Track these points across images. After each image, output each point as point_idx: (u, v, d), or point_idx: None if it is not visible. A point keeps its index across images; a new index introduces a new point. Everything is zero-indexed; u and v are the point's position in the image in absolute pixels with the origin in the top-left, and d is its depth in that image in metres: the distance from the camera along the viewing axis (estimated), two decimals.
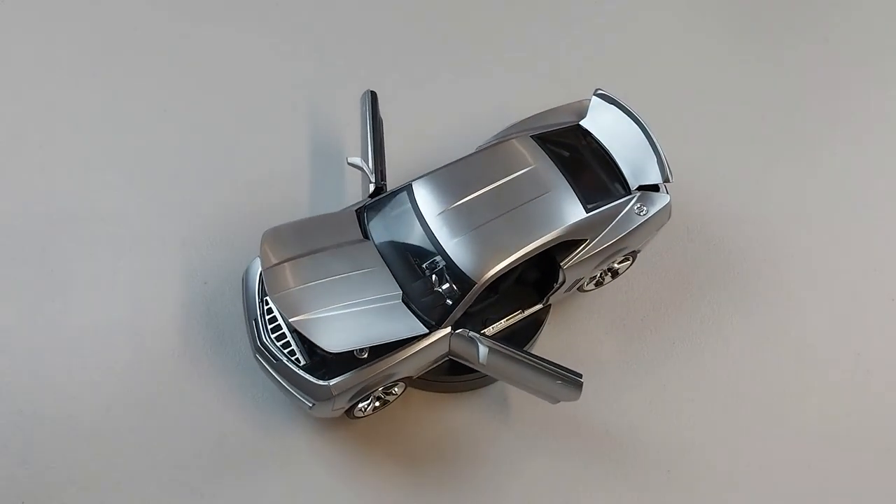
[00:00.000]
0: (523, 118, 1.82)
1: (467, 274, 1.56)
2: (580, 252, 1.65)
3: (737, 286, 1.90)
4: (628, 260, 1.78)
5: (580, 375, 1.57)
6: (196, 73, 2.09)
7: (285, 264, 1.59)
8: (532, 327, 1.73)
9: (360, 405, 1.62)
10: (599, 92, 1.79)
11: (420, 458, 1.71)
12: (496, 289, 1.66)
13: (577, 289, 1.77)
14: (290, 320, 1.53)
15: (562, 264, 1.65)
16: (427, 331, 1.56)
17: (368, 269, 1.60)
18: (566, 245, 1.64)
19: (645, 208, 1.70)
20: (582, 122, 1.77)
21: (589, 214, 1.65)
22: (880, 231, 1.98)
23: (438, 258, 1.59)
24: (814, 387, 1.82)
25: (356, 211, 1.70)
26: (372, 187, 1.72)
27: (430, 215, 1.62)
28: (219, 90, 2.07)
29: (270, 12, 2.19)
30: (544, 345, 1.79)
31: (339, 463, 1.70)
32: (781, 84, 2.16)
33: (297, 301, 1.54)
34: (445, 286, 1.58)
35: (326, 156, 1.98)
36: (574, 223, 1.63)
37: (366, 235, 1.65)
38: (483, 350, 1.56)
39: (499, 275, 1.58)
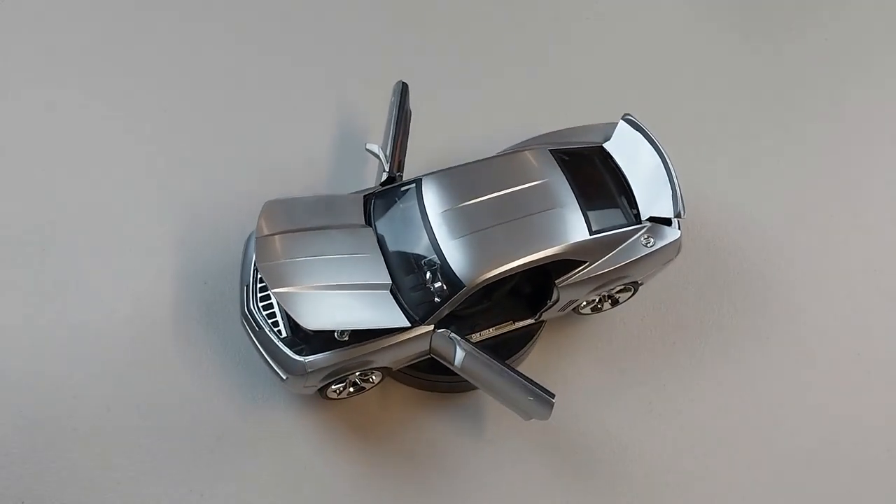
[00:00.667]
0: (550, 131, 1.80)
1: (458, 275, 1.55)
2: (578, 273, 1.63)
3: (737, 287, 1.90)
4: (629, 291, 1.75)
5: (553, 395, 1.55)
6: (196, 72, 2.09)
7: (280, 236, 1.59)
8: (522, 340, 1.71)
9: (335, 387, 1.62)
10: (627, 117, 1.76)
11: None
12: (489, 296, 1.66)
13: (574, 311, 1.75)
14: (272, 291, 1.54)
15: (557, 282, 1.63)
16: (409, 325, 1.55)
17: (363, 254, 1.59)
18: (565, 264, 1.62)
19: (653, 240, 1.66)
20: (605, 145, 1.75)
21: (592, 237, 1.62)
22: (880, 231, 1.98)
23: (434, 256, 1.58)
24: (813, 387, 1.82)
25: (364, 196, 1.69)
26: (385, 175, 1.71)
27: (434, 212, 1.61)
28: (219, 90, 2.07)
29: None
30: (533, 360, 1.78)
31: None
32: (781, 83, 2.16)
33: (284, 274, 1.54)
34: (437, 284, 1.57)
35: (328, 155, 1.98)
36: (575, 243, 1.60)
37: (369, 222, 1.65)
38: (460, 353, 1.56)
39: (490, 282, 1.56)
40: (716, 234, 1.95)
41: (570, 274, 1.63)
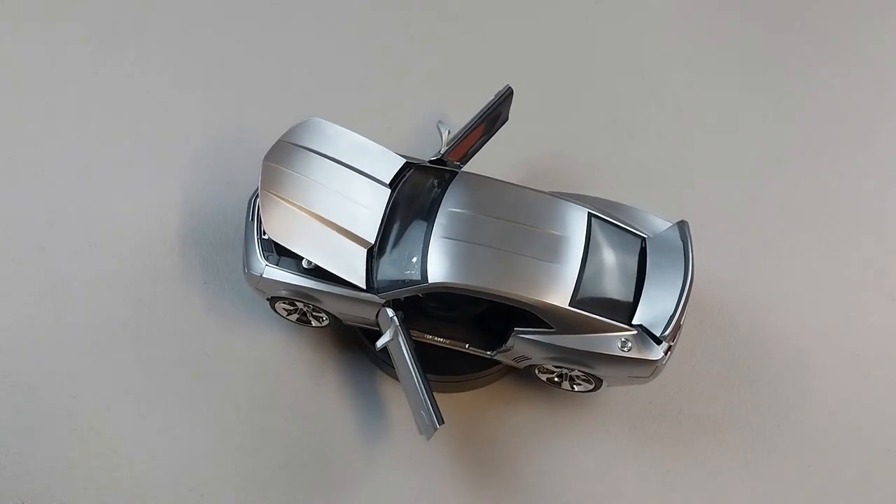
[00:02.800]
0: (611, 200, 1.73)
1: (426, 270, 1.56)
2: (538, 334, 1.58)
3: (736, 287, 1.90)
4: (590, 384, 1.67)
5: (440, 422, 1.52)
6: (196, 72, 2.09)
7: (302, 149, 1.63)
8: (472, 368, 1.70)
9: (284, 306, 1.68)
10: (684, 223, 1.67)
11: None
12: (453, 308, 1.64)
13: (534, 372, 1.69)
14: (260, 190, 1.59)
15: (516, 330, 1.59)
16: (364, 288, 1.57)
17: (366, 207, 1.61)
18: (533, 318, 1.57)
19: (630, 346, 1.58)
20: (648, 239, 1.67)
21: (569, 308, 1.55)
22: (880, 231, 1.98)
23: (422, 244, 1.59)
24: (813, 387, 1.82)
25: (406, 162, 1.69)
26: (435, 157, 1.69)
27: (446, 207, 1.61)
28: (219, 90, 2.07)
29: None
30: (482, 391, 1.77)
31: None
32: (781, 83, 2.16)
33: (281, 180, 1.58)
34: (409, 271, 1.57)
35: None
36: (549, 304, 1.55)
37: (394, 185, 1.65)
38: (387, 337, 1.58)
39: (448, 290, 1.55)
40: (716, 234, 1.94)
41: (531, 330, 1.58)
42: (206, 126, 2.02)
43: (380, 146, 1.71)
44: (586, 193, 1.70)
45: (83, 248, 1.87)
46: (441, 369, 1.69)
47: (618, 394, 1.77)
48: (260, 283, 1.62)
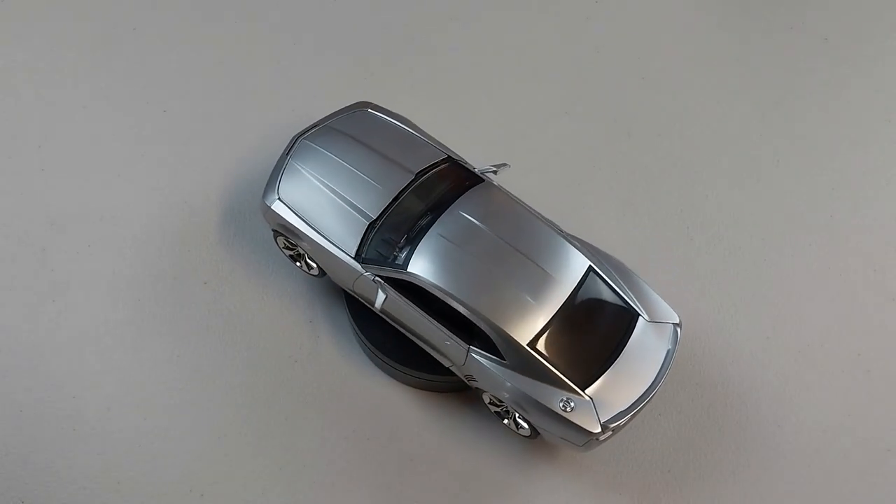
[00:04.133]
0: (624, 264, 1.68)
1: (409, 259, 1.59)
2: (487, 360, 1.58)
3: (736, 285, 1.90)
4: (527, 430, 1.66)
5: (468, 344, 1.57)
6: (196, 72, 2.09)
7: (340, 132, 1.74)
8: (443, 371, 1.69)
9: (284, 242, 1.77)
10: (678, 323, 1.63)
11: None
12: (429, 305, 1.61)
13: (481, 395, 1.68)
14: (288, 157, 1.72)
15: (472, 347, 1.59)
16: (352, 256, 1.64)
17: (380, 186, 1.67)
18: (491, 344, 1.56)
19: (571, 408, 1.55)
20: (642, 317, 1.62)
21: (525, 347, 1.55)
22: (880, 231, 1.98)
23: (418, 234, 1.62)
24: (813, 387, 1.82)
25: (448, 156, 1.71)
26: (490, 167, 1.72)
27: (456, 209, 1.63)
28: (219, 90, 2.07)
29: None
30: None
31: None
32: (781, 83, 2.16)
33: (307, 156, 1.72)
34: (397, 253, 1.62)
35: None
36: (507, 335, 1.54)
37: (419, 174, 1.68)
38: (381, 297, 1.62)
39: (417, 285, 1.57)
40: (716, 234, 1.94)
41: (485, 354, 1.58)
42: (205, 126, 2.02)
43: (426, 140, 1.75)
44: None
45: (83, 248, 1.87)
46: (433, 369, 1.70)
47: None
48: (267, 212, 1.72)
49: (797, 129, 2.10)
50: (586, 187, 1.98)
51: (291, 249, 1.78)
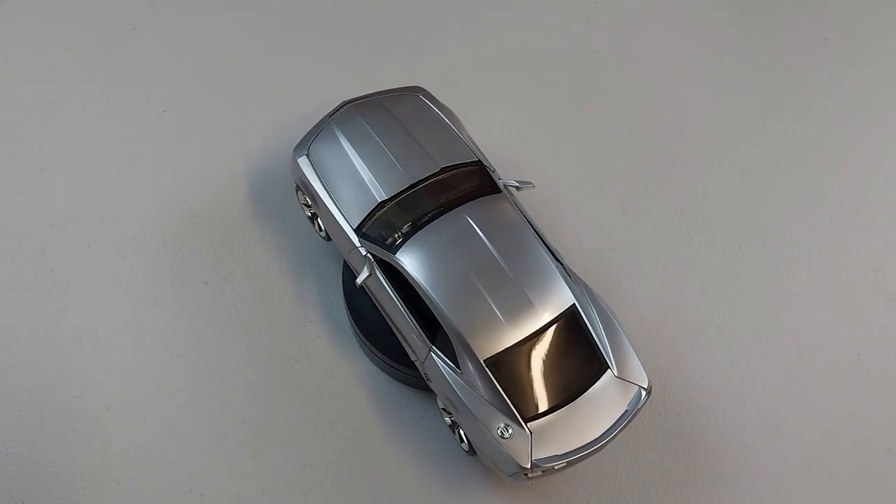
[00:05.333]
0: (619, 322, 1.64)
1: (400, 245, 1.61)
2: (445, 365, 1.58)
3: (736, 285, 1.90)
4: (466, 445, 1.66)
5: (432, 340, 1.57)
6: (195, 72, 2.08)
7: (389, 114, 1.76)
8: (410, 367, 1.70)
9: (304, 198, 1.81)
10: (647, 388, 1.59)
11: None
12: (407, 294, 1.62)
13: (436, 399, 1.69)
14: (328, 117, 1.78)
15: (434, 346, 1.60)
16: (353, 228, 1.67)
17: (402, 170, 1.70)
18: (452, 350, 1.57)
19: (509, 435, 1.55)
20: (616, 374, 1.59)
21: (482, 364, 1.54)
22: (880, 231, 1.98)
23: (420, 224, 1.63)
24: (813, 387, 1.82)
25: (477, 160, 1.72)
26: (515, 182, 1.74)
27: (463, 209, 1.64)
28: (218, 90, 2.07)
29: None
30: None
31: None
32: (782, 83, 2.16)
33: (347, 121, 1.77)
34: (394, 237, 1.63)
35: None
36: (469, 347, 1.54)
37: (444, 169, 1.70)
38: (363, 274, 1.65)
39: (399, 270, 1.60)
40: (716, 234, 1.94)
41: (443, 357, 1.59)
42: (205, 126, 2.01)
43: (463, 139, 1.76)
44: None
45: (83, 248, 1.87)
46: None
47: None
48: (293, 166, 1.78)
49: (797, 128, 2.10)
50: (587, 187, 1.98)
51: (309, 208, 1.81)
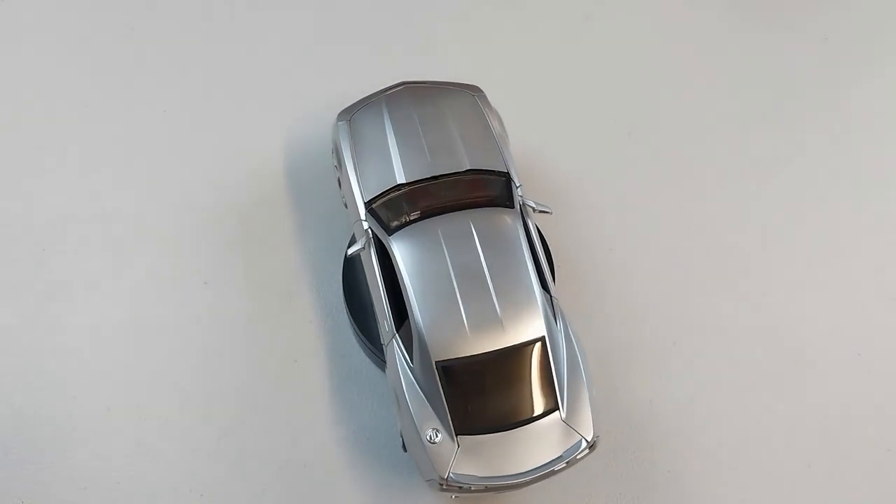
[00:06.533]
0: (583, 363, 1.61)
1: (396, 228, 1.64)
2: (400, 356, 1.59)
3: (736, 285, 1.90)
4: (401, 441, 1.66)
5: (397, 329, 1.59)
6: (195, 73, 2.09)
7: (436, 110, 1.80)
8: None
9: (333, 159, 1.86)
10: (591, 444, 1.56)
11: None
12: (389, 276, 1.64)
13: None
14: (382, 92, 1.84)
15: (397, 335, 1.61)
16: (364, 201, 1.69)
17: (430, 158, 1.72)
18: (411, 343, 1.58)
19: (436, 441, 1.54)
20: (559, 413, 1.56)
21: (434, 364, 1.54)
22: (880, 231, 1.98)
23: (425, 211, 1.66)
24: (814, 387, 1.82)
25: (506, 172, 1.73)
26: (525, 202, 1.73)
27: (470, 214, 1.65)
28: (218, 90, 2.07)
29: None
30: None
31: None
32: (782, 83, 2.16)
33: (398, 101, 1.81)
34: (398, 219, 1.65)
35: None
36: (425, 344, 1.55)
37: (470, 170, 1.71)
38: (356, 246, 1.68)
39: (387, 255, 1.63)
40: (716, 233, 1.94)
41: (401, 347, 1.59)
42: (205, 126, 2.02)
43: (500, 149, 1.75)
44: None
45: (83, 249, 1.87)
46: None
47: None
48: (333, 128, 1.82)
49: (797, 128, 2.10)
50: (587, 186, 1.98)
51: (336, 156, 1.84)
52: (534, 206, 1.72)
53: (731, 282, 1.90)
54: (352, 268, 1.78)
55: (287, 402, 1.75)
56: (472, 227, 1.63)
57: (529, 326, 1.57)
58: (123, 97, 2.04)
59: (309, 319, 1.82)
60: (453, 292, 1.58)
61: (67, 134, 1.99)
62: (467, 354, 1.54)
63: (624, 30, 2.21)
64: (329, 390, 1.77)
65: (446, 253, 1.61)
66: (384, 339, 1.64)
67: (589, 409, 1.57)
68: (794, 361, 1.84)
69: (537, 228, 1.72)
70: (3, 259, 1.85)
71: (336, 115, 1.81)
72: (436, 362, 1.54)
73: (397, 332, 1.60)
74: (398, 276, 1.59)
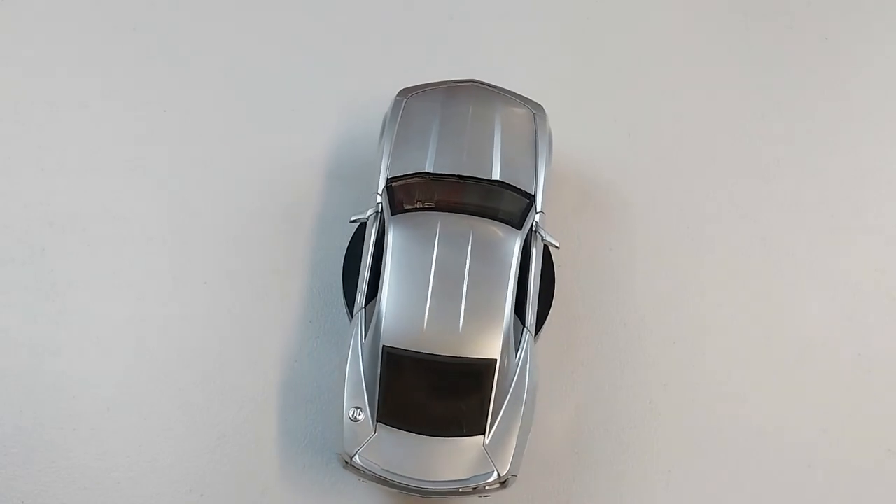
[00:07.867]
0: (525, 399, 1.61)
1: (401, 213, 1.66)
2: (357, 331, 1.62)
3: (736, 285, 1.90)
4: None
5: (365, 304, 1.62)
6: (194, 73, 2.08)
7: (495, 104, 1.83)
8: None
9: (380, 131, 1.86)
10: (503, 479, 1.55)
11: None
12: (380, 252, 1.67)
13: None
14: (450, 83, 1.86)
15: (364, 310, 1.63)
16: (387, 178, 1.73)
17: (465, 157, 1.74)
18: (370, 321, 1.61)
19: (359, 419, 1.56)
20: (483, 438, 1.56)
21: (379, 346, 1.56)
22: (880, 231, 1.98)
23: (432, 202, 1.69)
24: (814, 387, 1.82)
25: (531, 195, 1.73)
26: (531, 207, 1.73)
27: (475, 221, 1.66)
28: (217, 90, 2.07)
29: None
30: None
31: None
32: (782, 83, 2.16)
33: (461, 96, 1.82)
34: (406, 207, 1.67)
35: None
36: (378, 322, 1.57)
37: (496, 181, 1.72)
38: (361, 215, 1.71)
39: (382, 234, 1.65)
40: (714, 233, 1.94)
41: (364, 319, 1.62)
42: (205, 126, 2.02)
43: (538, 172, 1.75)
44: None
45: (83, 248, 1.87)
46: None
47: None
48: (393, 102, 1.84)
49: (797, 128, 2.10)
50: (587, 187, 1.98)
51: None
52: (543, 235, 1.71)
53: (732, 282, 1.90)
54: (354, 255, 1.79)
55: (287, 403, 1.75)
56: (471, 233, 1.64)
57: (485, 346, 1.57)
58: (123, 96, 2.04)
59: (309, 319, 1.82)
60: (426, 287, 1.60)
61: (68, 133, 1.99)
62: (415, 350, 1.56)
63: (624, 30, 2.21)
64: (329, 391, 1.77)
65: (435, 249, 1.62)
66: (354, 310, 1.66)
67: (514, 445, 1.56)
68: (794, 361, 1.84)
69: (548, 260, 1.73)
70: (3, 259, 1.85)
71: (400, 91, 1.83)
72: (383, 346, 1.56)
73: (364, 307, 1.63)
74: (384, 255, 1.62)
